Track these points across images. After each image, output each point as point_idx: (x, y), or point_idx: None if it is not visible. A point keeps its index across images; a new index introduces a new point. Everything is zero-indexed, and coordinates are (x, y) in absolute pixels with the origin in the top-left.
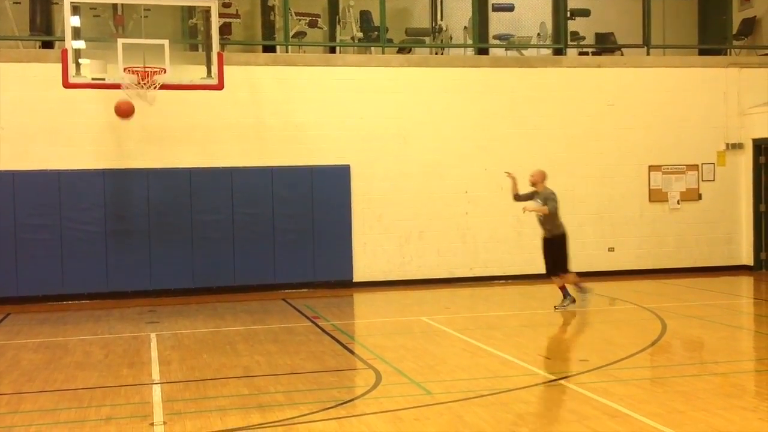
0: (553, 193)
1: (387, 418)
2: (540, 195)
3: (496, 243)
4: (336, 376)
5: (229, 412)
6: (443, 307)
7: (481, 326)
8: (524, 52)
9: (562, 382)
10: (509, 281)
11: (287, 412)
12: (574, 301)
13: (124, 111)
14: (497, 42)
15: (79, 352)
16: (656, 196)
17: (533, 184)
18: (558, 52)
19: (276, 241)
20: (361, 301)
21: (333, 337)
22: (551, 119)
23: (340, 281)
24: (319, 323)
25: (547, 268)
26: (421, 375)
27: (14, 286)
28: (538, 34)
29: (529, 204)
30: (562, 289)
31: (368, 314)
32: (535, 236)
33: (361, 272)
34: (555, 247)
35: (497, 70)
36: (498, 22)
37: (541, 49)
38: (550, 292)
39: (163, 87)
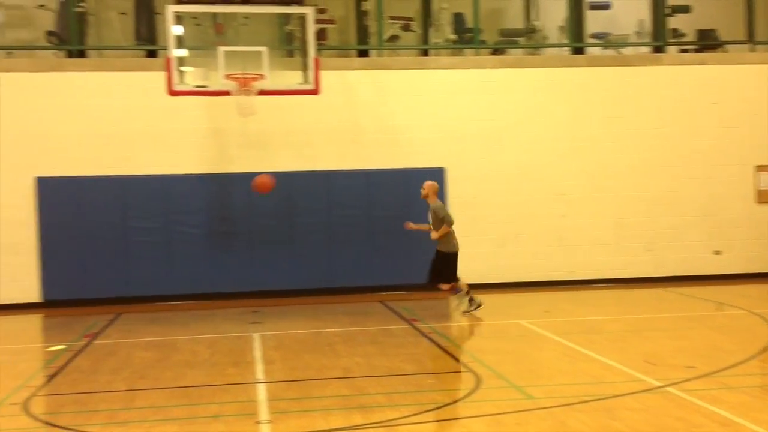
0: (444, 207)
1: (488, 422)
2: (431, 208)
3: (594, 246)
4: (435, 378)
5: (332, 412)
6: (541, 310)
7: (581, 330)
8: (622, 50)
9: (668, 388)
10: (609, 285)
11: (388, 414)
12: (479, 305)
13: (263, 185)
14: (594, 41)
15: (187, 350)
16: (765, 197)
17: (425, 197)
18: (657, 50)
19: (373, 244)
20: None
21: (431, 340)
22: (650, 118)
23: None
24: (417, 325)
25: (430, 276)
26: (521, 379)
27: (125, 286)
28: (636, 32)
29: (434, 235)
30: (453, 289)
31: (465, 317)
32: (635, 238)
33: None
34: (443, 262)
35: (593, 70)
36: (594, 21)
37: (639, 48)
38: (653, 296)
39: (262, 93)
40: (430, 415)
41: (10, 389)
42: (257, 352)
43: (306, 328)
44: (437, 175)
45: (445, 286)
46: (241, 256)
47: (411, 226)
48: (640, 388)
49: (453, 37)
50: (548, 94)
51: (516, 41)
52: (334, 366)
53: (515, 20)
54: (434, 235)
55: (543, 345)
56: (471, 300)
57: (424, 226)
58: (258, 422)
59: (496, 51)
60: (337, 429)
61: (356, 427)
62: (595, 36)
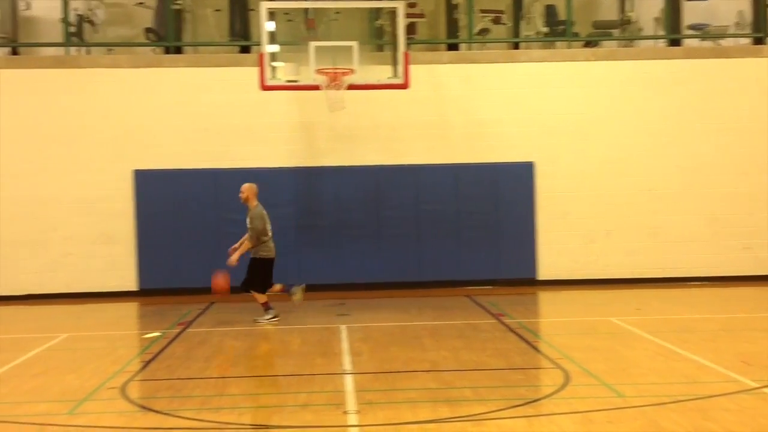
0: (263, 216)
1: (577, 419)
2: (248, 213)
3: (688, 243)
4: (523, 374)
5: (419, 405)
6: (633, 308)
7: (674, 329)
8: (720, 42)
9: (765, 390)
10: (704, 283)
11: (475, 408)
12: (276, 316)
13: (218, 287)
14: (691, 32)
15: (277, 340)
16: None
17: (244, 201)
18: (758, 41)
19: (460, 238)
20: (546, 299)
21: (518, 335)
22: (749, 112)
23: (524, 279)
24: (504, 320)
25: (245, 282)
26: (611, 377)
27: None
28: (736, 23)
29: (236, 251)
30: (264, 304)
31: (553, 313)
32: (731, 235)
33: (545, 270)
34: (257, 267)
35: (690, 62)
36: (691, 12)
37: (738, 39)
38: (750, 295)
39: (351, 87)
40: (518, 411)
41: (109, 374)
42: (344, 344)
43: (393, 321)
44: (526, 169)
45: (259, 297)
46: (328, 249)
47: (233, 260)
48: (735, 389)
49: (544, 29)
50: (642, 87)
51: (610, 33)
52: (421, 359)
53: (609, 12)
54: (232, 259)
55: (634, 343)
56: (268, 309)
57: (243, 246)
58: (346, 412)
59: (589, 43)
60: (424, 421)
61: (443, 420)
62: (692, 27)
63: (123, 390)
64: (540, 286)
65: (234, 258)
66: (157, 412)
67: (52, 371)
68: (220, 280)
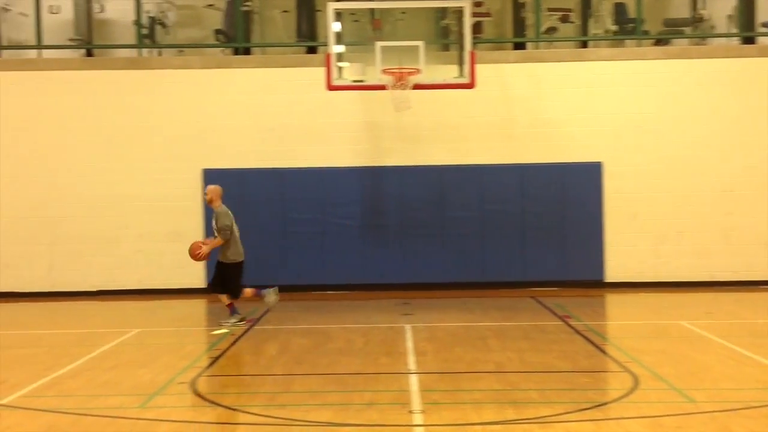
0: (228, 214)
1: (646, 423)
2: (214, 214)
3: (762, 245)
4: (590, 377)
5: (484, 406)
6: (704, 311)
7: (746, 333)
8: None
9: None
10: None
11: (542, 410)
12: (242, 320)
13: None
14: (766, 30)
15: (341, 339)
16: None
17: (209, 202)
18: None
19: (525, 239)
20: (614, 301)
21: (585, 338)
22: None
23: (591, 281)
24: (571, 322)
25: (213, 283)
26: (682, 381)
27: (282, 274)
28: None
29: (203, 246)
30: (230, 306)
31: (621, 315)
32: None
33: (612, 272)
34: (225, 272)
35: (764, 60)
36: (765, 9)
37: None
38: None
39: (417, 87)
40: (586, 414)
41: (179, 369)
42: (409, 343)
43: (457, 321)
44: (594, 170)
45: (224, 298)
46: (392, 249)
47: (204, 252)
48: None
49: (613, 27)
50: (715, 86)
51: (681, 31)
52: (486, 360)
53: (680, 9)
54: (205, 250)
55: (705, 347)
56: (234, 312)
57: (215, 241)
58: (411, 412)
59: (660, 42)
60: (489, 423)
61: (509, 422)
62: (766, 25)
63: (192, 385)
64: (607, 288)
65: (205, 251)
66: (225, 407)
67: (124, 365)
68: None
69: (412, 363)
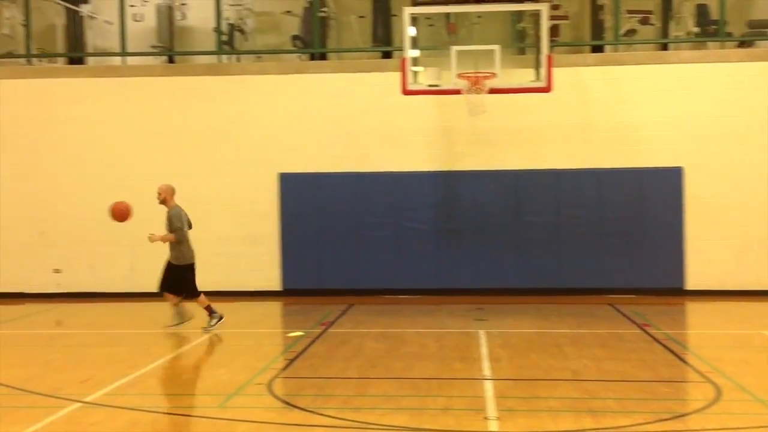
0: (181, 215)
1: None
2: (167, 214)
3: None
4: (670, 387)
5: (561, 414)
6: None
7: None
8: None
9: None
10: None
11: (620, 420)
12: (221, 318)
13: (119, 213)
14: None
15: (415, 343)
16: None
17: (162, 202)
18: None
19: (602, 245)
20: (694, 310)
21: (665, 346)
22: None
23: (670, 288)
24: (650, 331)
25: (162, 286)
26: (766, 392)
27: (356, 278)
28: None
29: (155, 234)
30: (208, 308)
31: (702, 324)
32: None
33: (693, 280)
34: (175, 274)
35: None
36: None
37: None
38: None
39: (492, 91)
40: (666, 425)
41: (256, 370)
42: (483, 349)
43: (532, 328)
44: (674, 175)
45: (171, 297)
46: (466, 253)
47: (155, 237)
48: None
49: (695, 29)
50: None
51: (766, 33)
52: (563, 367)
53: (764, 11)
54: (154, 238)
55: None
56: (212, 313)
57: (168, 237)
58: (486, 418)
59: (743, 43)
60: (566, 431)
61: (586, 430)
62: None
63: (269, 386)
64: (688, 296)
65: (156, 237)
66: (301, 409)
67: (203, 366)
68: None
69: (486, 369)
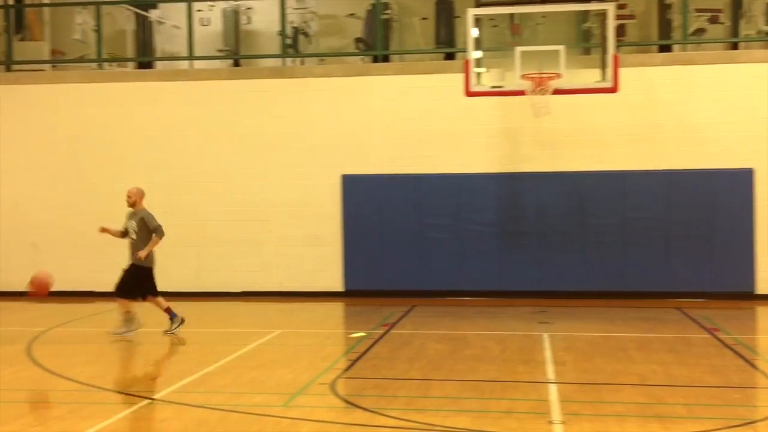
0: (152, 216)
1: None
2: (136, 216)
3: None
4: (741, 393)
5: (627, 419)
6: None
7: None
8: None
9: None
10: None
11: (689, 426)
12: (182, 321)
13: (39, 286)
14: None
15: (478, 345)
16: None
17: (132, 205)
18: None
19: (670, 248)
20: (765, 314)
21: (735, 352)
22: None
23: (741, 293)
24: (719, 336)
25: (122, 289)
26: None
27: (418, 280)
28: None
29: (142, 252)
30: (168, 311)
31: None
32: None
33: (764, 284)
34: (135, 276)
35: None
36: None
37: None
38: None
39: (556, 92)
40: (736, 431)
41: (319, 370)
42: (547, 352)
43: (597, 331)
44: (745, 176)
45: (126, 303)
46: (530, 256)
47: (106, 229)
48: None
49: (766, 28)
50: None
51: None
52: (629, 372)
53: None
54: (142, 254)
55: None
56: (173, 317)
57: (153, 244)
58: (551, 422)
59: None
60: None
61: None
62: None
63: (332, 386)
64: (759, 300)
65: (143, 254)
66: (364, 409)
67: (267, 365)
68: (41, 282)
69: (550, 372)
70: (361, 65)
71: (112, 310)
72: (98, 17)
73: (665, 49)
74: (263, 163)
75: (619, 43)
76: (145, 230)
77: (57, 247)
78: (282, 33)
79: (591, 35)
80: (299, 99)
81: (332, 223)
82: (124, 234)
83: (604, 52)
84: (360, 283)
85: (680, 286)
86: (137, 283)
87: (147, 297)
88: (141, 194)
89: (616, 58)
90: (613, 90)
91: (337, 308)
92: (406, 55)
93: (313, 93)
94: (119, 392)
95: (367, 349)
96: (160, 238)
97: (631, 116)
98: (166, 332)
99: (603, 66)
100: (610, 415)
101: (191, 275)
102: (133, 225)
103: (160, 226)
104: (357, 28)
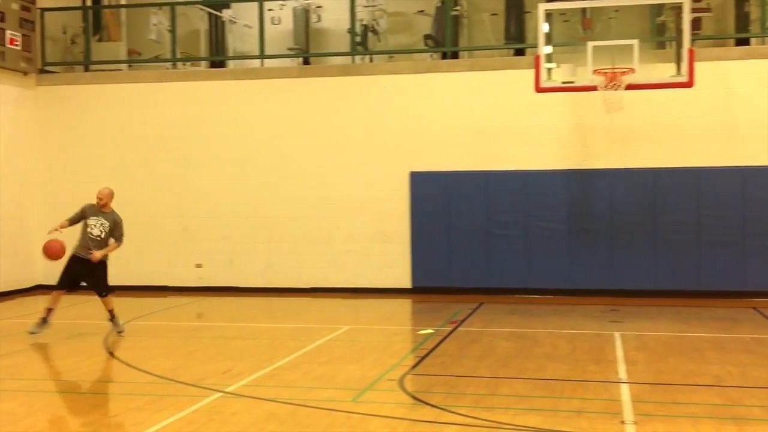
0: (120, 218)
1: None
2: (108, 216)
3: None
4: None
5: (702, 421)
6: None
7: None
8: None
9: None
10: None
11: (766, 429)
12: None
13: (52, 251)
14: None
15: (547, 344)
16: None
17: (102, 207)
18: None
19: (745, 246)
20: None
21: None
22: None
23: None
24: None
25: (103, 287)
26: None
27: (486, 277)
28: None
29: (99, 252)
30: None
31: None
32: None
33: None
34: (104, 271)
35: None
36: None
37: None
38: None
39: (629, 87)
40: None
41: (387, 366)
42: (618, 351)
43: (670, 331)
44: None
45: (108, 301)
46: (600, 254)
47: (97, 256)
48: None
49: None
50: None
51: None
52: (703, 372)
53: None
54: (98, 254)
55: None
56: (44, 319)
57: (112, 249)
58: (623, 422)
59: None
60: None
61: None
62: None
63: (401, 382)
64: None
65: (98, 255)
66: (433, 406)
67: (336, 360)
68: (55, 246)
69: (622, 372)
70: (430, 62)
71: (186, 304)
72: (173, 18)
73: (742, 42)
74: (332, 160)
75: (695, 37)
76: (117, 231)
77: (132, 243)
78: (351, 31)
79: (665, 29)
80: (368, 96)
81: (400, 219)
82: (75, 223)
83: (678, 46)
84: (428, 280)
85: (756, 285)
86: (105, 276)
87: (74, 290)
88: (112, 196)
89: (691, 52)
90: (688, 85)
91: (404, 305)
92: (475, 52)
93: (382, 90)
94: (192, 385)
95: (435, 346)
96: (120, 242)
97: (706, 111)
98: (30, 331)
99: (678, 60)
100: (684, 417)
101: (260, 271)
102: (105, 225)
103: (122, 228)
104: (426, 25)
